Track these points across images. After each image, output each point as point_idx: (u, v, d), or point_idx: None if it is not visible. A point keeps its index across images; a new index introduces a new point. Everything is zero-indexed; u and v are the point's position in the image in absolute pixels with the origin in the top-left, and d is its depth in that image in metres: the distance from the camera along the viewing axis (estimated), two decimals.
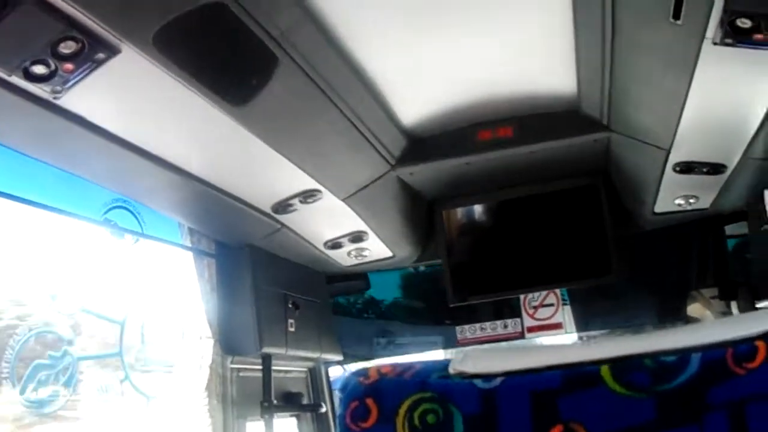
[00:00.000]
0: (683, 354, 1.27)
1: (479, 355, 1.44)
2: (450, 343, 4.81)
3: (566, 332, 4.60)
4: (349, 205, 3.43)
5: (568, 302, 4.57)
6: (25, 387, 2.87)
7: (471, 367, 1.42)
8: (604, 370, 1.30)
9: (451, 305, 4.32)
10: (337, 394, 4.98)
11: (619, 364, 1.30)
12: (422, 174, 3.68)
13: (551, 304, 4.53)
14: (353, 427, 1.43)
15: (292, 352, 3.96)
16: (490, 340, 4.65)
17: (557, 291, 4.49)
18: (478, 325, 4.64)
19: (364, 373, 1.48)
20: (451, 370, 1.44)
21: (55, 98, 2.13)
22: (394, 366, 1.50)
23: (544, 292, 4.49)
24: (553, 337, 4.63)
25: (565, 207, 4.04)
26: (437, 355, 4.89)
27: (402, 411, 1.42)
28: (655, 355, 1.29)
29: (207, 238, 3.69)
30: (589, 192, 3.99)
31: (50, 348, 3.03)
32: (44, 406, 2.97)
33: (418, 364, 1.53)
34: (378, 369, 1.48)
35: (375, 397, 1.44)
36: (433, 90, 3.20)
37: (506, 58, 2.97)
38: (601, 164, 3.78)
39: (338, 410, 1.49)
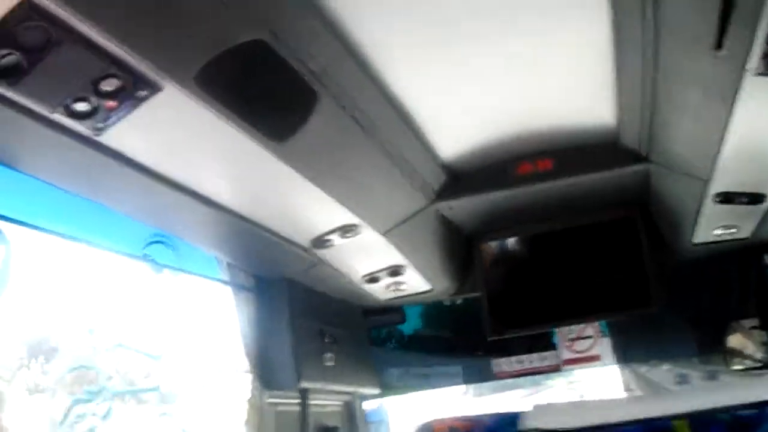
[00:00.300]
0: (761, 408, 1.23)
1: (552, 410, 1.40)
2: (485, 375, 4.76)
3: (604, 364, 4.54)
4: (388, 240, 3.39)
5: (607, 334, 4.51)
6: (63, 421, 2.86)
7: (545, 422, 1.37)
8: (681, 425, 1.25)
9: (490, 339, 4.26)
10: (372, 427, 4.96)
11: (695, 418, 1.25)
12: (461, 208, 3.65)
13: (589, 336, 4.48)
14: None
15: (329, 387, 3.94)
16: (527, 373, 4.61)
17: (596, 323, 4.43)
18: (514, 358, 4.60)
19: (430, 428, 1.44)
20: (522, 426, 1.40)
21: (96, 135, 2.13)
22: (463, 420, 1.46)
23: (582, 324, 4.44)
24: (591, 369, 4.57)
25: (604, 238, 4.00)
26: (465, 388, 4.86)
27: None
28: (731, 409, 1.25)
29: (245, 273, 3.67)
30: (628, 223, 3.95)
31: (87, 383, 3.02)
32: None
33: (486, 419, 1.49)
34: (447, 424, 1.44)
35: None
36: (473, 124, 3.18)
37: (546, 91, 2.96)
38: (639, 195, 3.74)
39: None
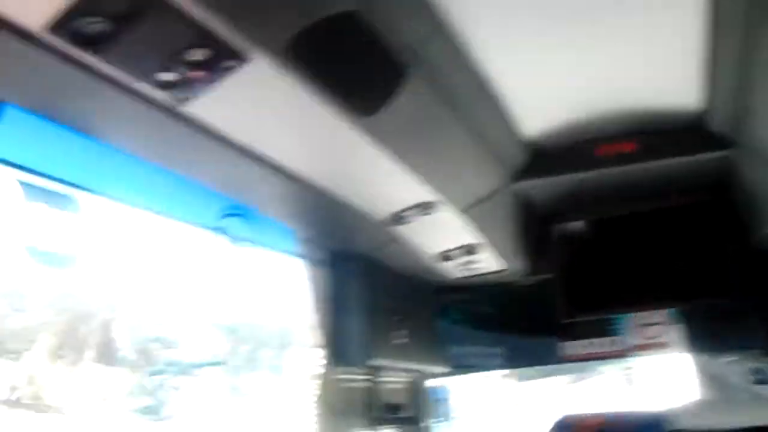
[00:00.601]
0: None
1: (703, 410, 1.35)
2: (552, 358, 4.70)
3: (673, 352, 4.44)
4: (466, 218, 3.34)
5: (676, 321, 4.40)
6: (138, 392, 2.86)
7: (696, 424, 1.32)
8: None
9: (562, 321, 4.19)
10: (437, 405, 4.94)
11: None
12: (540, 187, 3.59)
13: (659, 323, 4.37)
14: None
15: (397, 364, 3.92)
16: (596, 357, 4.54)
17: (666, 310, 4.33)
18: (583, 342, 4.51)
19: (569, 426, 1.40)
20: (671, 427, 1.35)
21: (180, 105, 2.12)
22: (603, 419, 1.41)
23: (653, 311, 4.34)
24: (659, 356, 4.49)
25: (682, 223, 3.88)
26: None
27: None
28: None
29: (320, 247, 3.65)
30: (708, 209, 3.82)
31: (162, 355, 3.02)
32: (155, 411, 2.96)
33: (628, 418, 1.44)
34: (586, 424, 1.40)
35: None
36: (558, 103, 3.13)
37: (633, 73, 2.89)
38: (722, 180, 3.61)
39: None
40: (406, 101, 2.38)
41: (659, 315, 4.34)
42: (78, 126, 2.36)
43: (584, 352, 4.52)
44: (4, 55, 1.89)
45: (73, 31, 1.77)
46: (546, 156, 3.44)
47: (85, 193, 2.60)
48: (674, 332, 4.37)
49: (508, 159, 3.28)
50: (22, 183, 2.40)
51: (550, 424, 1.58)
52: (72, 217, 2.55)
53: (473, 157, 3.04)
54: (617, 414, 1.45)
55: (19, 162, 2.36)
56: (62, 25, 1.75)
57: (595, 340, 4.49)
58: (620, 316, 4.37)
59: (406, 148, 2.66)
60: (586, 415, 1.43)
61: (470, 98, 2.70)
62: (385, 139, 2.51)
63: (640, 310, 4.28)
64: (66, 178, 2.53)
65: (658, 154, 3.34)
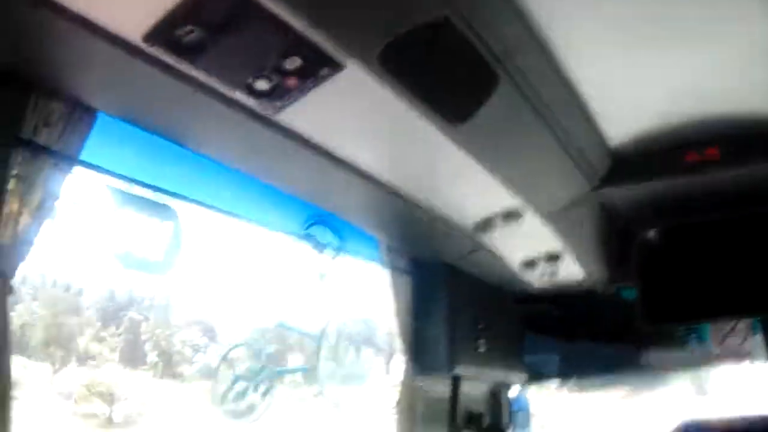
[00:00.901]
0: None
1: None
2: (634, 367, 4.63)
3: (753, 362, 4.35)
4: (550, 225, 3.31)
5: (758, 331, 4.30)
6: (225, 398, 2.90)
7: None
8: None
9: (643, 331, 4.13)
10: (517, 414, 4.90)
11: None
12: (624, 195, 3.53)
13: (740, 333, 4.27)
14: None
15: (479, 373, 3.90)
16: (677, 366, 4.48)
17: (748, 320, 4.24)
18: (665, 352, 4.45)
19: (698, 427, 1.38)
20: None
21: (274, 114, 2.14)
22: (728, 423, 1.39)
23: (734, 321, 4.25)
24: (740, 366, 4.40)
25: (765, 232, 3.77)
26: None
27: None
28: None
29: (404, 256, 3.65)
30: None
31: (249, 361, 3.07)
32: (243, 416, 3.01)
33: (757, 421, 1.42)
34: (712, 427, 1.38)
35: None
36: (644, 110, 3.06)
37: (718, 76, 2.80)
38: None
39: None
40: (495, 108, 2.36)
41: (740, 325, 4.26)
42: (170, 134, 2.41)
43: (664, 361, 4.46)
44: (100, 64, 1.94)
45: (168, 40, 1.81)
46: (630, 163, 3.38)
47: (176, 201, 2.65)
48: (755, 342, 4.28)
49: (593, 166, 3.23)
50: (114, 190, 2.45)
51: (672, 429, 1.55)
52: (165, 224, 2.60)
53: (558, 164, 3.00)
54: (744, 417, 1.41)
55: (111, 169, 2.41)
56: (158, 34, 1.79)
57: (675, 349, 4.43)
58: (701, 325, 4.30)
59: (493, 155, 2.65)
60: (709, 419, 1.41)
61: (557, 105, 2.66)
62: (473, 146, 2.49)
63: (720, 320, 4.20)
64: (158, 186, 2.58)
65: (743, 160, 3.25)
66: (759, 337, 4.30)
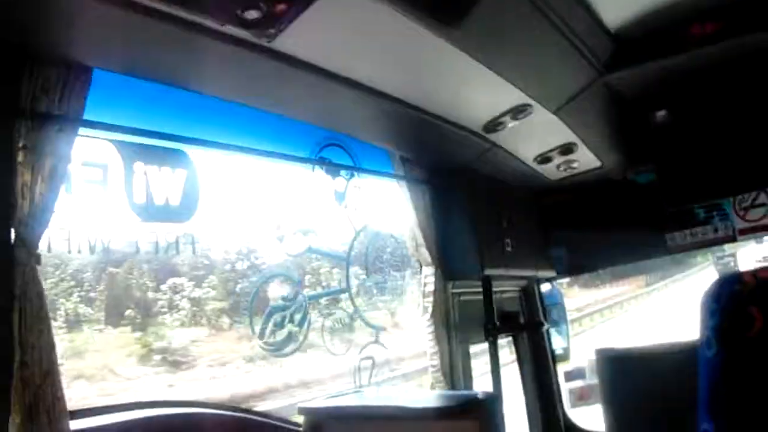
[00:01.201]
0: None
1: None
2: (659, 250, 4.63)
3: None
4: (559, 117, 3.30)
5: None
6: (263, 331, 2.93)
7: None
8: None
9: (666, 212, 4.12)
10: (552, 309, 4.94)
11: None
12: (631, 77, 3.47)
13: (762, 204, 4.25)
14: (735, 338, 1.35)
15: (510, 272, 3.93)
16: (702, 245, 4.47)
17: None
18: (688, 232, 4.44)
19: (736, 279, 1.39)
20: None
21: (268, 42, 2.12)
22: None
23: (754, 193, 4.22)
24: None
25: None
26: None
27: None
28: None
29: (419, 167, 3.66)
30: None
31: (282, 290, 3.09)
32: (282, 347, 3.04)
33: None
34: (754, 274, 1.38)
35: (759, 303, 1.34)
36: None
37: None
38: None
39: (707, 322, 1.40)
40: (490, 5, 2.31)
41: (761, 197, 4.24)
42: (170, 80, 2.39)
43: (690, 242, 4.46)
44: (89, 21, 1.91)
45: None
46: (634, 44, 3.32)
47: (185, 145, 2.64)
48: None
49: (596, 52, 3.17)
50: (122, 144, 2.44)
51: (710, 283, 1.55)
52: (178, 171, 2.60)
53: (561, 55, 2.96)
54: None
55: (115, 123, 2.40)
56: None
57: (699, 229, 4.42)
58: (722, 201, 4.28)
59: (494, 53, 2.62)
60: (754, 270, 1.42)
61: None
62: (472, 46, 2.46)
63: (741, 193, 4.18)
64: (166, 133, 2.57)
65: (746, 29, 3.19)
66: None
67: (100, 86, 2.22)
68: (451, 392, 3.52)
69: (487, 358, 3.77)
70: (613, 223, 4.62)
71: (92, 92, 2.18)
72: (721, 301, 1.39)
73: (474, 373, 3.84)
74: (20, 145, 2.02)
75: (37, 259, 2.03)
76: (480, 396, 2.78)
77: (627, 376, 2.94)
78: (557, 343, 4.85)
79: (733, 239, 4.38)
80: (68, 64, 2.09)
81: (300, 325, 3.21)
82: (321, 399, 2.90)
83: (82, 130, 2.19)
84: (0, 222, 1.98)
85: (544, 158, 3.79)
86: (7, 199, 1.99)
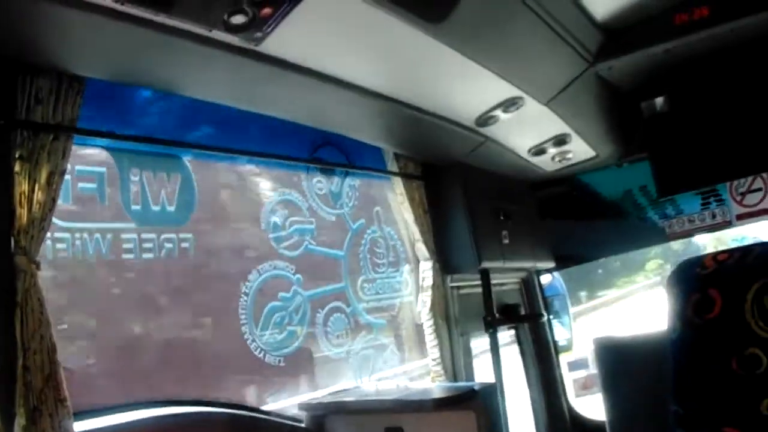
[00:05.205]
0: None
1: None
2: (658, 238, 4.65)
3: None
4: (551, 109, 3.31)
5: None
6: (263, 331, 2.97)
7: None
8: None
9: (661, 199, 4.14)
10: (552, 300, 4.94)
11: None
12: (621, 67, 3.48)
13: (759, 189, 4.26)
14: (696, 320, 1.38)
15: (508, 265, 3.95)
16: (699, 231, 4.49)
17: (765, 175, 4.22)
18: (686, 218, 4.46)
19: (698, 262, 1.42)
20: None
21: (255, 45, 2.15)
22: (731, 252, 1.43)
23: (750, 178, 4.23)
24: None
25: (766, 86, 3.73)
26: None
27: (750, 297, 1.36)
28: None
29: (413, 163, 3.71)
30: None
31: (280, 290, 3.13)
32: (283, 346, 3.07)
33: (757, 247, 1.46)
34: (713, 257, 1.41)
35: (718, 286, 1.38)
36: None
37: None
38: None
39: (672, 305, 1.43)
40: (474, 1, 2.33)
41: (757, 181, 4.25)
42: (162, 86, 2.43)
43: (689, 228, 4.48)
44: (78, 31, 1.94)
45: None
46: (622, 33, 3.33)
47: (180, 150, 2.69)
48: None
49: (584, 43, 3.18)
50: (117, 152, 2.49)
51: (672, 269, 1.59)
52: (174, 176, 2.64)
53: (549, 47, 2.97)
54: (742, 246, 1.46)
55: (110, 131, 2.44)
56: None
57: (696, 216, 4.44)
58: (718, 187, 4.30)
59: (481, 47, 2.63)
60: (713, 253, 1.46)
61: None
62: (459, 42, 2.48)
63: (735, 178, 4.19)
64: (160, 140, 2.61)
65: (733, 15, 3.20)
66: None
67: (96, 95, 2.27)
68: (448, 384, 3.56)
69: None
70: (611, 213, 4.64)
71: (89, 102, 2.22)
72: (683, 284, 1.43)
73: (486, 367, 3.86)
74: (17, 155, 2.05)
75: (37, 265, 2.07)
76: (476, 387, 2.82)
77: (625, 363, 2.96)
78: (560, 333, 4.87)
79: (730, 224, 4.39)
80: (61, 74, 2.13)
81: (300, 322, 3.26)
82: (322, 395, 2.95)
83: (77, 139, 2.22)
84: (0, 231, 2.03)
85: (538, 150, 3.81)
86: (6, 209, 2.03)
